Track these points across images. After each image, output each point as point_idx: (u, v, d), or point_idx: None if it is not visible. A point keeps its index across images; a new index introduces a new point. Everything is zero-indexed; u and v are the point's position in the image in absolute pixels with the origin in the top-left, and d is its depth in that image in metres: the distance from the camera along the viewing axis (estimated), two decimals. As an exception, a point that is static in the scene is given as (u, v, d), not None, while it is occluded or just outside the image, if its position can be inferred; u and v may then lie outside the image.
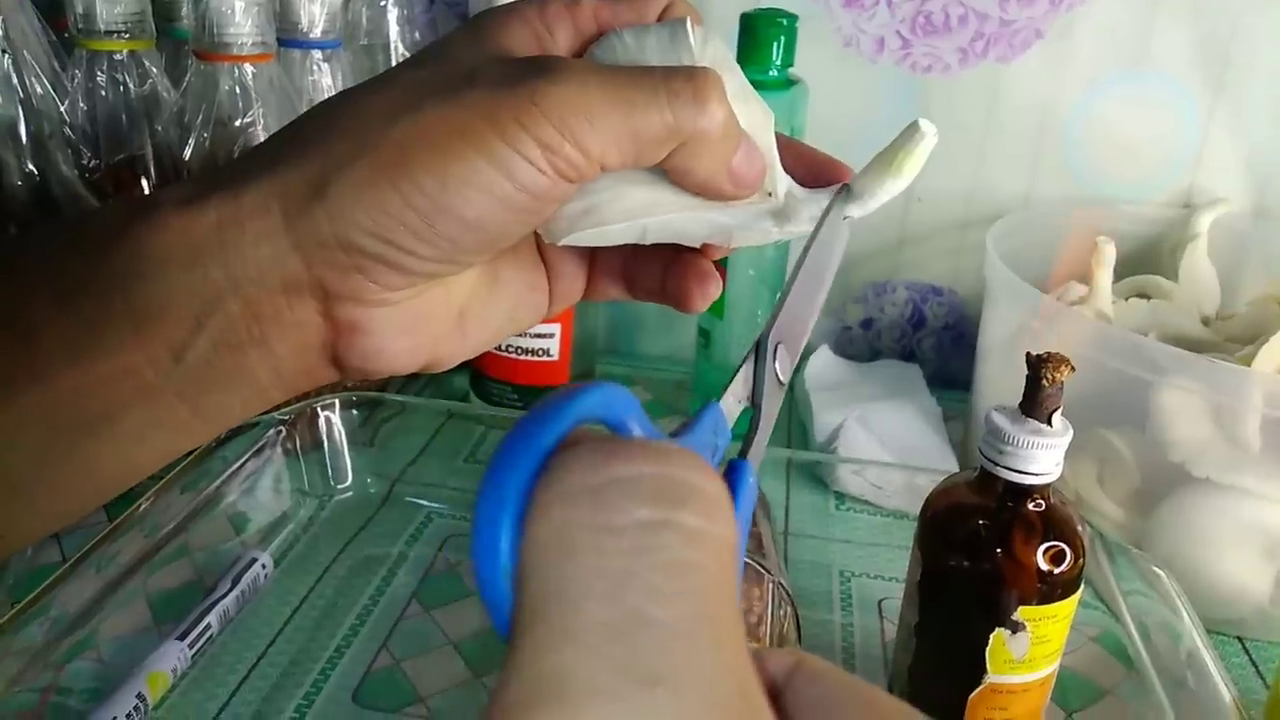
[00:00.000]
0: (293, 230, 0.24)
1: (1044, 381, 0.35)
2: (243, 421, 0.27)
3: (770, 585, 0.37)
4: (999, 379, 0.59)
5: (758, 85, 0.30)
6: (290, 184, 0.24)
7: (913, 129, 0.28)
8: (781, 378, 0.24)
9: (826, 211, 0.28)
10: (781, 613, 0.38)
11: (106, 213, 0.26)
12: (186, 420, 0.25)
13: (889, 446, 0.60)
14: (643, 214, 0.27)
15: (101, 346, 0.24)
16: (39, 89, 0.49)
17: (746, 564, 0.38)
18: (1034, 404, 0.36)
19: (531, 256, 0.31)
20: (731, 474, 0.21)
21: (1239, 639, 0.50)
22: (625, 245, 0.29)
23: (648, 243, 0.28)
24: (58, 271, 0.24)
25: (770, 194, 0.29)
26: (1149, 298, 0.60)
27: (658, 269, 0.31)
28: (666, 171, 0.27)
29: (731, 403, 0.23)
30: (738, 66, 0.29)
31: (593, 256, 0.32)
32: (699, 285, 0.30)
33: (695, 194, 0.27)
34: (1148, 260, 0.66)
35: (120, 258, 0.24)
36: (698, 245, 0.29)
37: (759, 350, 0.24)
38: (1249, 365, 0.49)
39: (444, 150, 0.23)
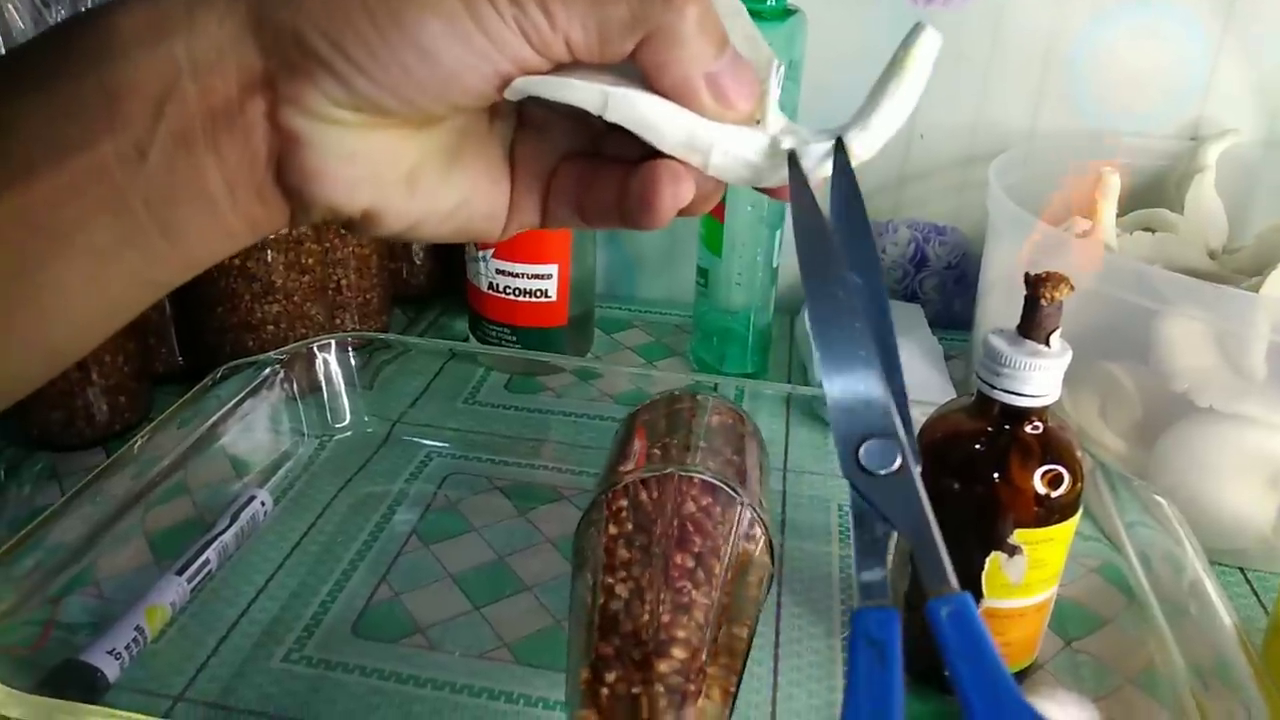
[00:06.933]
0: (254, 13, 0.24)
1: (1042, 300, 0.34)
2: (208, 261, 0.27)
3: (739, 510, 0.37)
4: (1000, 314, 0.58)
5: (755, 15, 0.29)
6: None
7: (915, 29, 0.27)
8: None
9: (835, 147, 0.27)
10: (752, 534, 0.37)
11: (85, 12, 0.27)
12: (154, 240, 0.26)
13: (890, 383, 0.59)
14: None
15: (77, 138, 0.24)
16: (21, 25, 0.48)
17: (721, 489, 0.38)
18: (1032, 324, 0.35)
19: (500, 151, 0.30)
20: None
21: (1241, 570, 0.50)
22: (580, 159, 0.29)
23: (608, 118, 0.27)
24: (38, 61, 0.25)
25: (759, 121, 0.28)
26: (1154, 231, 0.59)
27: (613, 182, 0.29)
28: (641, 72, 0.26)
29: None
30: (746, 12, 0.29)
31: (551, 172, 0.31)
32: (670, 183, 0.27)
33: (672, 99, 0.27)
34: (1154, 194, 0.65)
35: (95, 37, 0.25)
36: (667, 150, 0.27)
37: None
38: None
39: None
